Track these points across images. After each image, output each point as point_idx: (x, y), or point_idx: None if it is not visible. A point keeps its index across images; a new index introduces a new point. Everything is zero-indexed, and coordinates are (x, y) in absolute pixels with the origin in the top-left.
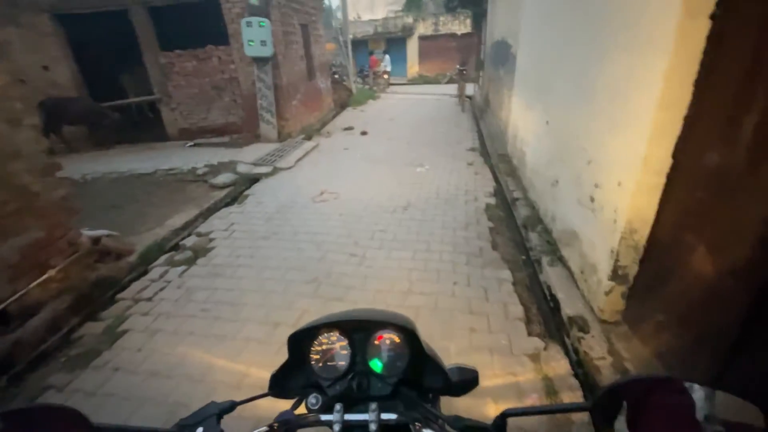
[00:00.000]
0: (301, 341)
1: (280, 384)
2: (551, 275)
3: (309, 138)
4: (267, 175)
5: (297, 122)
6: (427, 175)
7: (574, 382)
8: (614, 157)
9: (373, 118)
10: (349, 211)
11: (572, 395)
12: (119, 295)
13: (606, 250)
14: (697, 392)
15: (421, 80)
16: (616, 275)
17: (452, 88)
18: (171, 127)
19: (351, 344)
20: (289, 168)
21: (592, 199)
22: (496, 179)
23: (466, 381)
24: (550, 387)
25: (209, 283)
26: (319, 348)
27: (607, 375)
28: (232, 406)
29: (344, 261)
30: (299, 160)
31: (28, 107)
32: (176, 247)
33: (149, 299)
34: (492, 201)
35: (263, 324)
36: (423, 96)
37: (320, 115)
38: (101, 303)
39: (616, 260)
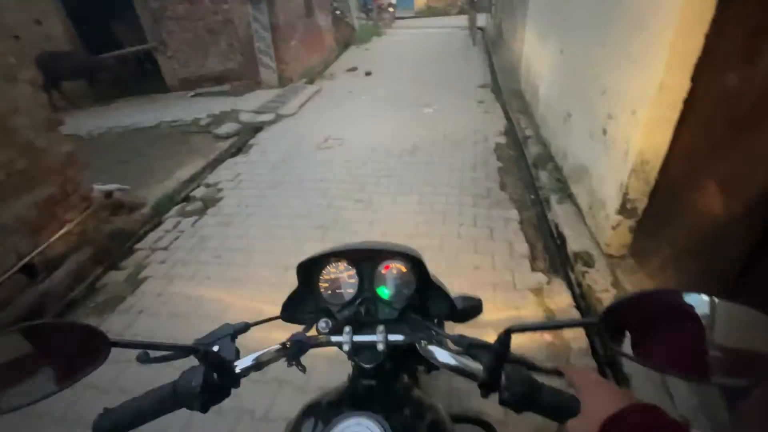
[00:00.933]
0: (309, 270)
1: (291, 310)
2: (559, 213)
3: (311, 81)
4: (270, 123)
5: (298, 65)
6: (435, 116)
7: (576, 313)
8: (630, 85)
9: (378, 56)
10: (354, 156)
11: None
12: (136, 246)
13: (616, 183)
14: (702, 302)
15: (430, 12)
16: (624, 209)
17: (463, 20)
18: (170, 77)
19: (359, 273)
20: (292, 115)
21: (605, 132)
22: (507, 117)
23: (470, 308)
24: (551, 319)
25: (221, 232)
26: (327, 277)
27: None
28: (246, 326)
29: (350, 207)
30: (302, 105)
31: (24, 62)
32: (187, 199)
33: (165, 248)
34: (502, 140)
35: (274, 268)
36: (431, 30)
37: (322, 56)
38: (120, 254)
39: (626, 194)
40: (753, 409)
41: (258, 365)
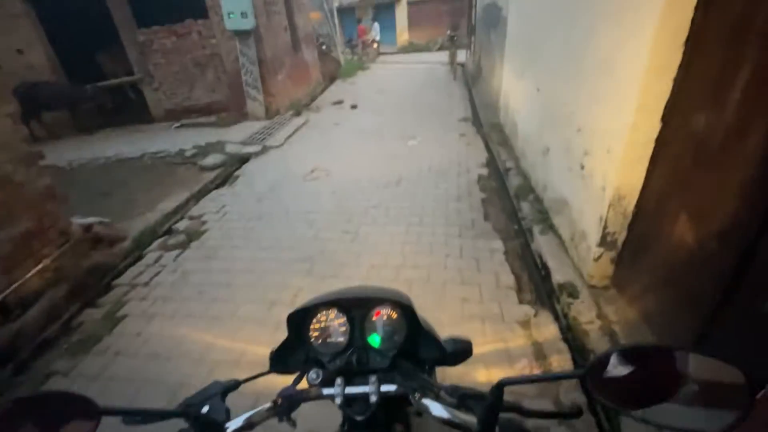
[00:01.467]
0: (299, 319)
1: (281, 361)
2: (542, 243)
3: (298, 114)
4: (256, 154)
5: (284, 98)
6: (419, 148)
7: (563, 346)
8: (603, 124)
9: (363, 90)
10: (341, 187)
11: (561, 358)
12: (116, 281)
13: (595, 217)
14: (680, 357)
15: (412, 48)
16: (604, 241)
17: (444, 56)
18: (155, 108)
19: (349, 321)
20: (279, 146)
21: (582, 167)
22: (488, 149)
23: (460, 351)
24: (539, 352)
25: (204, 266)
26: (317, 325)
27: (595, 338)
28: (236, 384)
29: (337, 238)
30: (289, 137)
31: (4, 94)
32: (169, 231)
33: (146, 284)
34: (484, 172)
35: (259, 303)
36: (414, 65)
37: (308, 89)
38: (98, 290)
39: (605, 227)
40: None
41: (249, 426)
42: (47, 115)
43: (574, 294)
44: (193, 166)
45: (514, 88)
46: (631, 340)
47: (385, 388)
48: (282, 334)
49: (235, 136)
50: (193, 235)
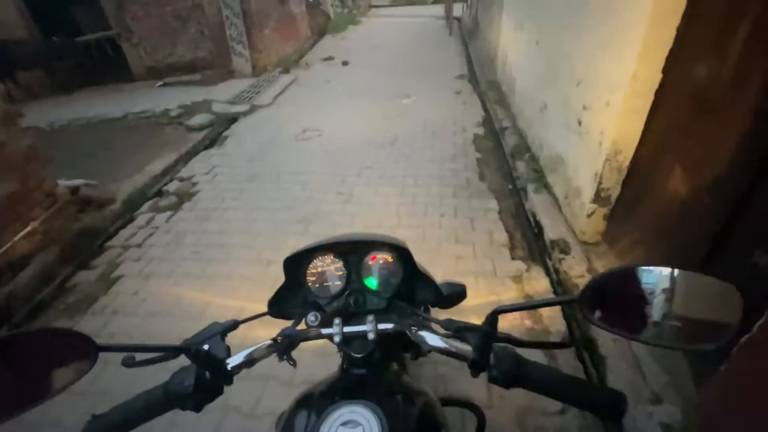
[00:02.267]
0: (296, 264)
1: (279, 307)
2: (536, 202)
3: (286, 71)
4: (245, 114)
5: (272, 53)
6: (414, 106)
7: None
8: (604, 76)
9: (354, 45)
10: (333, 148)
11: (550, 310)
12: (108, 243)
13: (590, 173)
14: (674, 276)
15: (406, 1)
16: (598, 197)
17: (439, 9)
18: (136, 66)
19: (346, 265)
20: (268, 105)
21: (580, 122)
22: (485, 108)
23: (455, 294)
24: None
25: (198, 227)
26: (314, 270)
27: None
28: (234, 324)
29: (331, 200)
30: (278, 95)
31: None
32: (159, 193)
33: (139, 245)
34: (480, 131)
35: (255, 263)
36: (408, 19)
37: (297, 45)
38: (90, 252)
39: (600, 183)
40: (720, 384)
41: (250, 362)
42: (22, 75)
43: (565, 250)
44: (179, 127)
45: (512, 43)
46: None
47: (382, 326)
48: None
49: (222, 95)
50: (184, 197)
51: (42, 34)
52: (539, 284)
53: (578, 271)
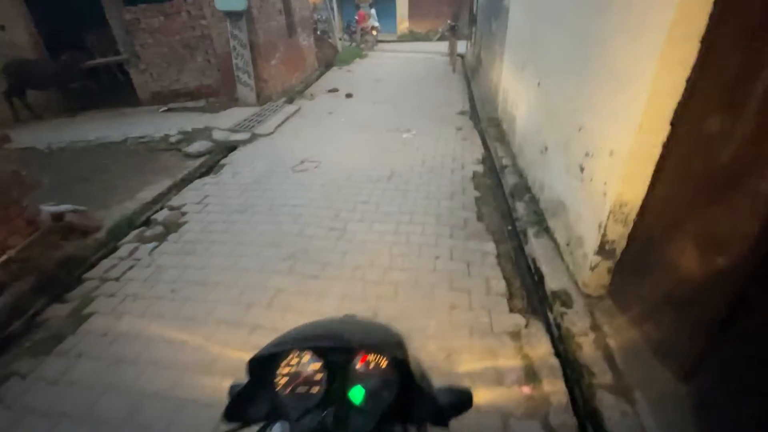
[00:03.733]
0: (265, 361)
1: (239, 409)
2: (536, 247)
3: (290, 101)
4: (245, 142)
5: (277, 83)
6: (414, 141)
7: (555, 362)
8: (607, 123)
9: (359, 78)
10: (330, 180)
11: (552, 376)
12: (86, 275)
13: (594, 223)
14: None
15: (412, 37)
16: (602, 250)
17: (443, 46)
18: (142, 91)
19: (327, 366)
20: (269, 134)
21: (582, 169)
22: (485, 145)
23: (458, 404)
24: (529, 367)
25: (180, 261)
26: (287, 369)
27: (588, 351)
28: None
29: (323, 235)
30: (279, 125)
31: None
32: (147, 222)
33: (117, 279)
34: (480, 169)
35: (235, 305)
36: (413, 54)
37: (303, 76)
38: (67, 283)
39: (604, 234)
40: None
41: None
42: (31, 95)
43: (567, 303)
44: (177, 153)
45: (513, 82)
46: (627, 355)
47: None
48: (258, 338)
49: (224, 123)
50: (171, 227)
51: (52, 57)
52: (540, 344)
53: (581, 328)
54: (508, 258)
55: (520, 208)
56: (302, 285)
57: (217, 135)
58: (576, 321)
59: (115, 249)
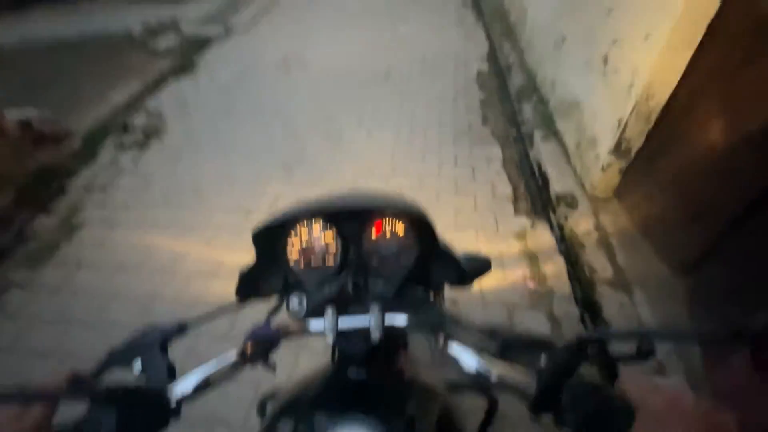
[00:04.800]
0: (272, 234)
1: (251, 286)
2: (542, 151)
3: None
4: (218, 37)
5: None
6: (411, 35)
7: (559, 259)
8: (645, 3)
9: None
10: (320, 81)
11: (556, 271)
12: (69, 184)
13: (612, 120)
14: None
15: None
16: (618, 149)
17: None
18: None
19: (340, 236)
20: (245, 26)
21: (606, 60)
22: (490, 41)
23: (478, 269)
24: (534, 265)
25: (168, 170)
26: (297, 244)
27: (591, 250)
28: (181, 327)
29: (318, 142)
30: (256, 15)
31: None
32: (124, 128)
33: (103, 188)
34: (484, 67)
35: (234, 212)
36: None
37: None
38: (49, 194)
39: (623, 132)
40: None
41: (204, 385)
42: None
43: (572, 204)
44: (143, 50)
45: None
46: (629, 253)
47: (391, 319)
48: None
49: (192, 12)
50: (151, 133)
51: None
52: (544, 244)
53: (585, 228)
54: (514, 163)
55: (527, 110)
56: (302, 191)
57: (186, 28)
58: (580, 221)
59: (94, 157)
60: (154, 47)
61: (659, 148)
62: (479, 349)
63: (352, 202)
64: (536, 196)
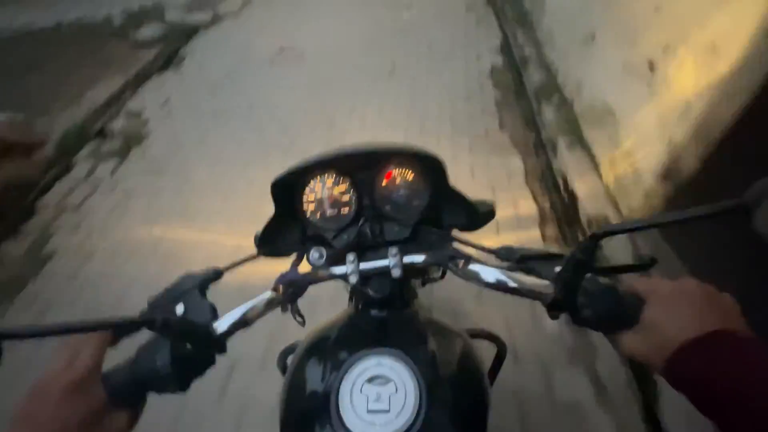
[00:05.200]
0: (288, 188)
1: (270, 243)
2: (568, 162)
3: None
4: (206, 25)
5: None
6: (415, 21)
7: None
8: (706, 6)
9: None
10: (318, 75)
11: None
12: (41, 201)
13: (659, 139)
14: None
15: None
16: (666, 175)
17: None
18: None
19: (353, 186)
20: (235, 12)
21: (653, 67)
22: (502, 28)
23: (486, 212)
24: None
25: (151, 184)
26: (312, 196)
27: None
28: (216, 273)
29: (321, 148)
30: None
31: None
32: (102, 133)
33: (77, 207)
34: (499, 61)
35: (227, 234)
36: None
37: None
38: (16, 216)
39: (673, 155)
40: None
41: (243, 322)
42: None
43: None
44: (124, 40)
45: None
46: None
47: (410, 259)
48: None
49: None
50: (132, 140)
51: None
52: None
53: (623, 260)
54: (536, 176)
55: (548, 112)
56: None
57: (172, 15)
58: (617, 251)
59: (69, 168)
60: (135, 37)
61: (719, 177)
62: (497, 266)
63: (363, 150)
64: (564, 218)
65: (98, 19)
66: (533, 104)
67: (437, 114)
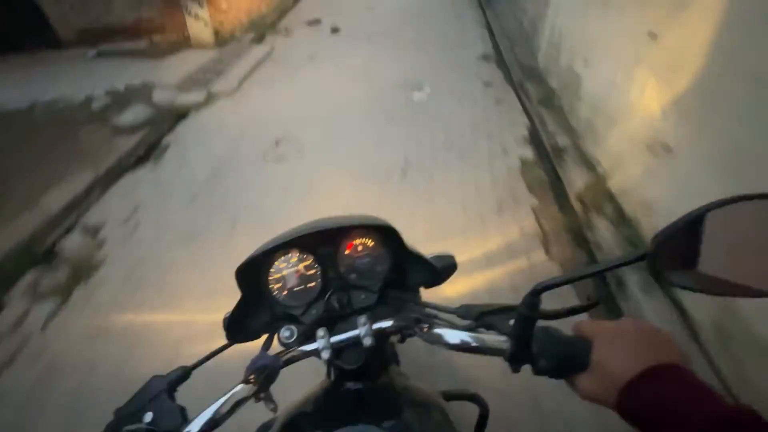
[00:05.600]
0: (253, 272)
1: (239, 328)
2: (646, 309)
3: (260, 38)
4: (198, 107)
5: (240, 13)
6: (430, 104)
7: None
8: None
9: (346, 3)
10: (318, 176)
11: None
12: None
13: None
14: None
15: None
16: None
17: None
18: (62, 27)
19: (317, 261)
20: (231, 93)
21: None
22: (528, 116)
23: (448, 267)
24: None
25: (85, 350)
26: (278, 275)
27: None
28: (184, 373)
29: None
30: (245, 78)
31: None
32: (49, 255)
33: None
34: (528, 154)
35: None
36: None
37: (275, 0)
38: None
39: None
40: None
41: (217, 420)
42: None
43: None
44: (103, 126)
45: (580, 19)
46: None
47: (379, 325)
48: None
49: (170, 75)
50: (81, 271)
51: None
52: None
53: None
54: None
55: (602, 228)
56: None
57: (160, 96)
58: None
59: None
60: (116, 122)
61: None
62: (458, 327)
63: (322, 227)
64: None
65: (77, 100)
66: (580, 216)
67: (463, 228)
